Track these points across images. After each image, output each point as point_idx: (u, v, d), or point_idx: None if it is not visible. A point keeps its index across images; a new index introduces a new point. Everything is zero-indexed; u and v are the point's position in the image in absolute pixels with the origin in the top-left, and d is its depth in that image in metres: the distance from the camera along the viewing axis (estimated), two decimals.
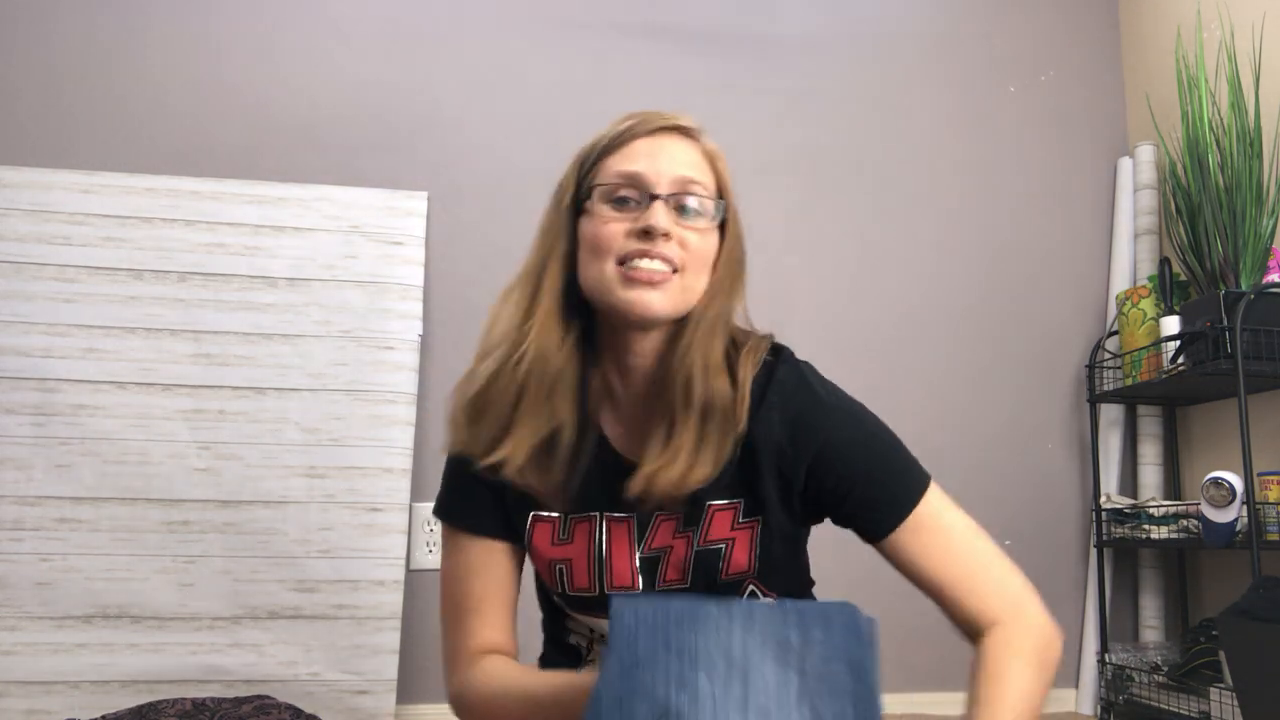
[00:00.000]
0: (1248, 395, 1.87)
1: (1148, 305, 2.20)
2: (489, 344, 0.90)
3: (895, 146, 2.47)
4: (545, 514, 0.92)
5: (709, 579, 0.90)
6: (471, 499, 0.94)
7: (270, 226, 2.10)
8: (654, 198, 0.85)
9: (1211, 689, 1.82)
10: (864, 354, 2.35)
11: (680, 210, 0.87)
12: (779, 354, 0.94)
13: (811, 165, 2.44)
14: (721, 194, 0.91)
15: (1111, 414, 2.36)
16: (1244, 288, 1.97)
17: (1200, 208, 2.09)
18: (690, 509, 0.89)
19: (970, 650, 0.93)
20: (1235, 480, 1.82)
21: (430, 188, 2.24)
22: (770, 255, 2.27)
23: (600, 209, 0.87)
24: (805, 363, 0.95)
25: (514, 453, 0.86)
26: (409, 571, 2.08)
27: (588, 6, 2.40)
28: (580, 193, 0.89)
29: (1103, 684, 2.18)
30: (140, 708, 1.68)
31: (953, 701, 2.16)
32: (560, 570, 0.93)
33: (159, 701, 1.72)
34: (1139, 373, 2.17)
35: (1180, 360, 2.01)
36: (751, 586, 0.93)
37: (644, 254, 0.84)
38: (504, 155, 2.30)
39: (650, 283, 0.84)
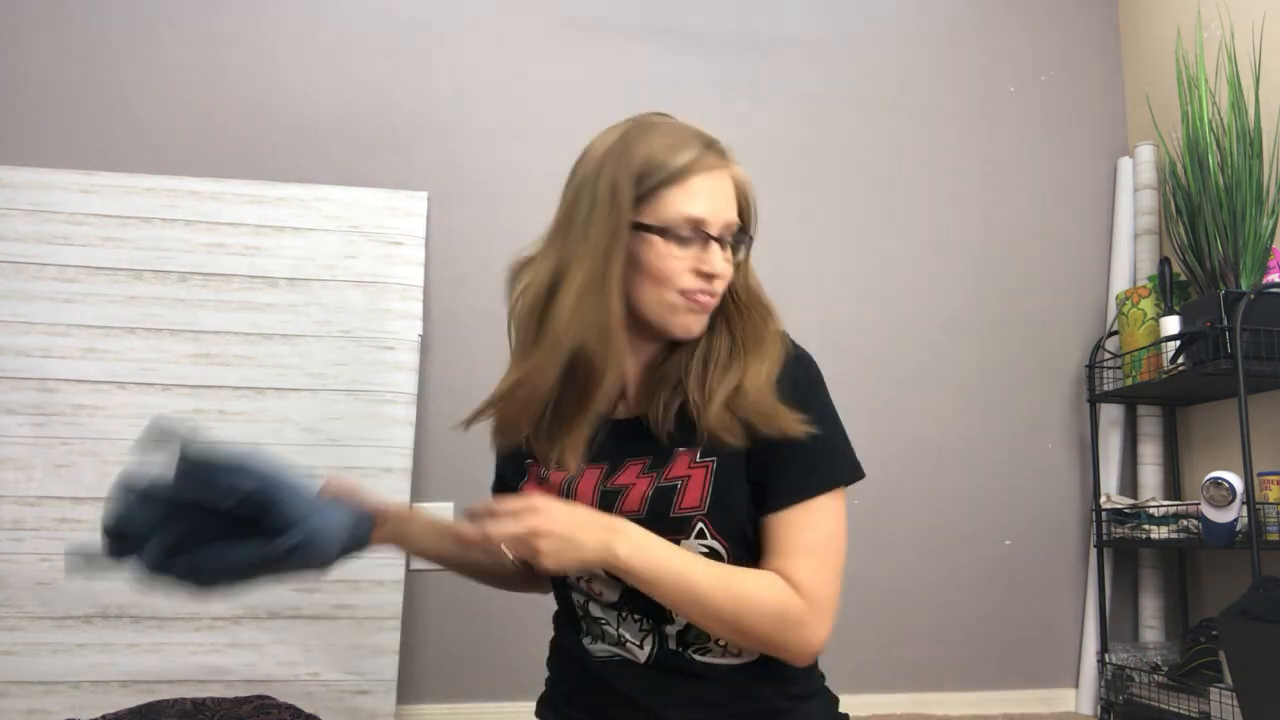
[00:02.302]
0: (1248, 395, 1.87)
1: (1148, 305, 2.20)
2: (559, 330, 0.95)
3: (895, 147, 2.47)
4: (533, 462, 1.06)
5: (662, 512, 0.96)
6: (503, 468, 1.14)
7: (270, 226, 2.11)
8: (710, 239, 0.96)
9: (1211, 689, 1.82)
10: (864, 354, 2.35)
11: (725, 246, 0.98)
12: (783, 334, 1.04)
13: (811, 166, 2.44)
14: (744, 225, 1.02)
15: (1111, 414, 2.36)
16: (1244, 288, 1.97)
17: (1200, 208, 2.09)
18: (660, 454, 0.98)
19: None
20: (1235, 480, 1.82)
21: (430, 188, 2.24)
22: (770, 256, 2.26)
23: (664, 244, 0.95)
24: None
25: (571, 444, 0.99)
26: (409, 571, 2.08)
27: (588, 6, 2.40)
28: (637, 213, 0.95)
29: (1103, 684, 2.18)
30: (140, 708, 1.67)
31: (953, 701, 2.17)
32: None
33: (159, 701, 1.71)
34: (1139, 373, 2.17)
35: (1180, 360, 2.01)
36: (701, 525, 0.96)
37: (705, 291, 0.97)
38: (504, 155, 2.30)
39: (706, 310, 0.98)
